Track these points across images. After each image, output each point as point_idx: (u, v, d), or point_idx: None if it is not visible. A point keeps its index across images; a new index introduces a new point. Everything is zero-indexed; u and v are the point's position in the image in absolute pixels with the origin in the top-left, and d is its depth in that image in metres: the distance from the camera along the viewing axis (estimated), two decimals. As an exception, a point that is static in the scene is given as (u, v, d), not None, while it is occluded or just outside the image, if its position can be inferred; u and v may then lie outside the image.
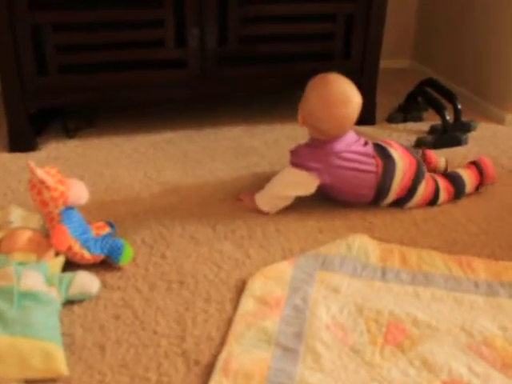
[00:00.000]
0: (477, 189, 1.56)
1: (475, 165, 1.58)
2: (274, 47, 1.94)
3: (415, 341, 1.05)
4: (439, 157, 1.66)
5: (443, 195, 1.50)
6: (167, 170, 1.69)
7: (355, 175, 1.43)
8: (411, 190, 1.46)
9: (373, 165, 1.43)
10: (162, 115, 2.07)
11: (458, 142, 1.87)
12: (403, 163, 1.45)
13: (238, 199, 1.52)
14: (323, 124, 1.40)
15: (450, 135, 1.87)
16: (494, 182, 1.61)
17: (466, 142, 1.89)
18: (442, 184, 1.50)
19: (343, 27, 1.92)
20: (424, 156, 1.61)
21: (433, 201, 1.50)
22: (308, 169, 1.41)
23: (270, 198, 1.46)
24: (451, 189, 1.51)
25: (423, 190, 1.48)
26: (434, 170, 1.61)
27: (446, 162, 1.65)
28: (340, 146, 1.42)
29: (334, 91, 1.39)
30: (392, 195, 1.47)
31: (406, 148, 1.53)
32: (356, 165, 1.43)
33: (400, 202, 1.49)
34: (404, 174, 1.45)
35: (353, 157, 1.43)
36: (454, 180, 1.52)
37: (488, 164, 1.58)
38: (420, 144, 1.84)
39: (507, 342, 1.05)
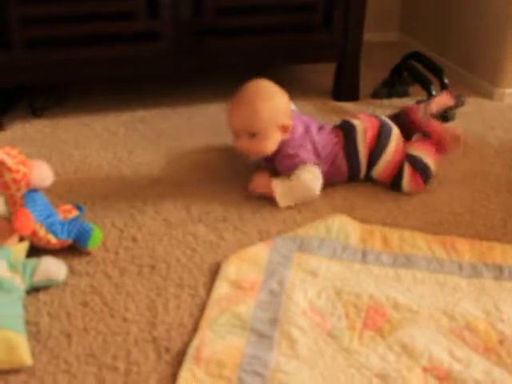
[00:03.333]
0: (441, 152, 1.54)
1: (428, 136, 1.56)
2: (252, 18, 1.92)
3: (395, 325, 1.05)
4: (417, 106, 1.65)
5: (408, 179, 1.47)
6: (139, 150, 1.68)
7: (329, 151, 1.47)
8: (378, 146, 1.48)
9: (333, 135, 1.50)
10: (134, 92, 2.05)
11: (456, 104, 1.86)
12: (362, 123, 1.51)
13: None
14: (286, 116, 1.43)
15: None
16: (458, 143, 1.57)
17: (453, 118, 1.89)
18: (407, 168, 1.48)
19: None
20: (407, 113, 1.62)
21: (397, 180, 1.48)
22: (308, 161, 1.43)
23: (295, 200, 1.43)
24: (414, 173, 1.48)
25: (392, 154, 1.48)
26: (419, 121, 1.60)
27: (425, 105, 1.65)
28: (303, 131, 1.47)
29: (267, 87, 1.45)
30: (362, 159, 1.48)
31: (371, 115, 1.58)
32: (323, 142, 1.47)
33: (370, 163, 1.49)
34: (365, 131, 1.49)
35: (319, 137, 1.48)
36: (411, 162, 1.49)
37: (439, 132, 1.56)
38: None
39: (490, 325, 1.06)
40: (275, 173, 1.47)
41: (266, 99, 1.41)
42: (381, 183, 1.51)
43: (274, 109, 1.41)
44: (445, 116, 1.85)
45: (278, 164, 1.46)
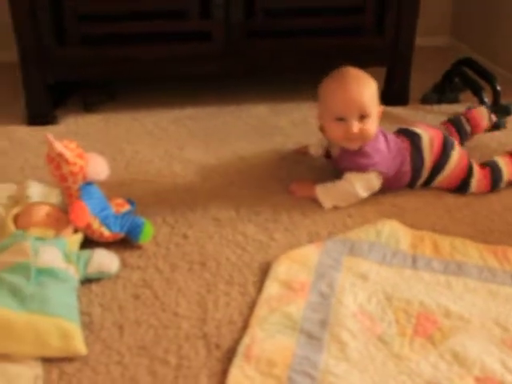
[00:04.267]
0: None
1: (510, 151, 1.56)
2: (302, 21, 1.92)
3: (446, 333, 1.04)
4: (482, 115, 1.65)
5: (478, 179, 1.47)
6: (189, 148, 1.69)
7: (398, 156, 1.44)
8: (444, 156, 1.46)
9: (399, 140, 1.47)
10: (184, 90, 2.07)
11: (507, 112, 1.86)
12: (428, 133, 1.49)
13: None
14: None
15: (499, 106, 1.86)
16: None
17: (504, 126, 1.86)
18: (478, 170, 1.48)
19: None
20: (467, 116, 1.63)
21: (465, 182, 1.47)
22: (378, 168, 1.41)
23: (338, 202, 1.42)
24: (488, 174, 1.48)
25: (456, 162, 1.46)
26: (481, 124, 1.62)
27: (490, 117, 1.65)
28: (382, 136, 1.44)
29: (362, 72, 1.42)
30: (428, 165, 1.46)
31: (429, 125, 1.57)
32: (393, 145, 1.45)
33: (434, 172, 1.47)
34: (431, 141, 1.47)
35: (389, 138, 1.45)
36: (491, 168, 1.49)
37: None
38: None
39: (544, 337, 1.04)
40: (335, 174, 1.47)
41: (367, 83, 1.39)
42: (445, 188, 1.49)
43: (374, 92, 1.40)
44: (495, 124, 1.82)
45: (346, 159, 1.42)
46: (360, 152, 1.40)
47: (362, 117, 1.36)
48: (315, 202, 1.42)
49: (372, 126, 1.38)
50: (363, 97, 1.36)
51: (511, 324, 1.06)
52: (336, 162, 1.49)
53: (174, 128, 1.81)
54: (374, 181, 1.41)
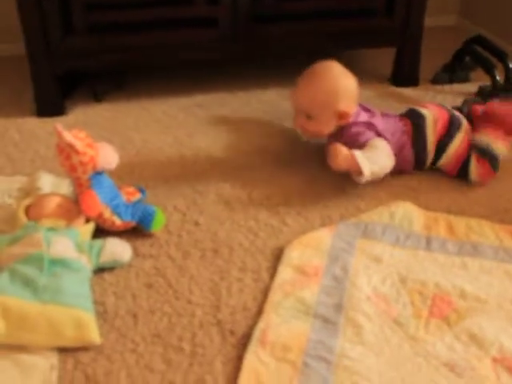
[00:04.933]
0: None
1: (490, 119, 1.50)
2: (311, 4, 1.88)
3: (462, 314, 1.03)
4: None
5: (476, 166, 1.42)
6: (199, 135, 1.68)
7: (397, 139, 1.42)
8: (447, 135, 1.44)
9: (401, 123, 1.47)
10: (193, 77, 2.05)
11: None
12: (432, 113, 1.47)
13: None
14: (348, 102, 1.41)
15: None
16: None
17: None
18: (474, 156, 1.43)
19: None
20: (469, 111, 1.57)
21: (464, 167, 1.43)
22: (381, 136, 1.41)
23: (377, 170, 1.35)
24: (482, 160, 1.43)
25: (459, 143, 1.44)
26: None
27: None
28: (367, 118, 1.44)
29: (333, 70, 1.44)
30: (430, 148, 1.44)
31: (439, 104, 1.55)
32: (392, 129, 1.44)
33: (437, 152, 1.44)
34: (435, 121, 1.45)
35: (386, 125, 1.44)
36: (481, 150, 1.44)
37: (501, 111, 1.49)
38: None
39: (562, 316, 1.02)
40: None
41: (327, 83, 1.40)
42: (447, 174, 1.46)
43: (333, 94, 1.39)
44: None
45: (345, 144, 1.39)
46: (349, 136, 1.40)
47: (307, 116, 1.42)
48: (326, 185, 1.41)
49: (317, 126, 1.43)
50: (307, 99, 1.41)
51: (529, 304, 1.05)
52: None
53: (182, 116, 1.80)
54: (385, 142, 1.39)
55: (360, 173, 1.31)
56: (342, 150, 1.32)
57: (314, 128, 1.44)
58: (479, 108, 1.55)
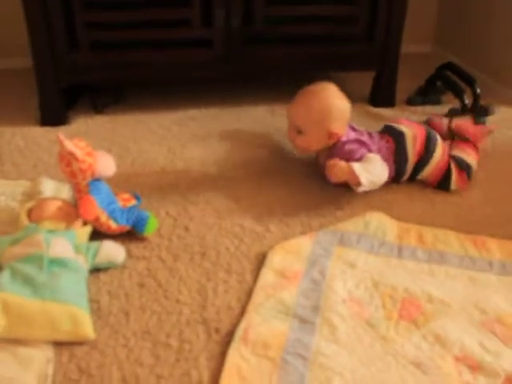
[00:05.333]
0: (477, 151, 1.57)
1: (457, 136, 1.60)
2: (298, 28, 1.90)
3: (429, 317, 1.04)
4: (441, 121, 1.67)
5: (455, 175, 1.46)
6: (191, 146, 1.68)
7: (382, 156, 1.42)
8: (427, 151, 1.45)
9: (384, 141, 1.47)
10: (187, 93, 2.05)
11: (486, 113, 1.88)
12: (411, 131, 1.48)
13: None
14: (339, 123, 1.40)
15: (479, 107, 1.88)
16: (487, 134, 1.66)
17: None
18: (454, 166, 1.47)
19: (367, 10, 1.88)
20: (428, 125, 1.63)
21: (446, 178, 1.46)
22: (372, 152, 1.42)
23: (373, 178, 1.35)
24: (460, 171, 1.47)
25: (439, 157, 1.46)
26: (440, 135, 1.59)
27: (449, 121, 1.64)
28: (355, 136, 1.45)
29: (328, 91, 1.44)
30: (411, 161, 1.45)
31: (412, 121, 1.59)
32: (377, 146, 1.45)
33: (418, 166, 1.46)
34: (414, 138, 1.46)
35: (373, 145, 1.45)
36: (460, 163, 1.48)
37: (464, 128, 1.60)
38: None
39: (520, 320, 1.03)
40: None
41: (321, 103, 1.39)
42: (428, 184, 1.48)
43: (326, 113, 1.39)
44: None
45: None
46: (343, 152, 1.40)
47: (298, 131, 1.42)
48: (307, 196, 1.42)
49: (306, 142, 1.43)
50: (302, 115, 1.40)
51: (489, 308, 1.06)
52: (323, 170, 1.48)
53: (176, 128, 1.80)
54: (378, 156, 1.39)
55: (358, 183, 1.31)
56: (340, 163, 1.33)
57: (303, 143, 1.44)
58: (439, 124, 1.65)
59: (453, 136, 1.61)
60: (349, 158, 1.38)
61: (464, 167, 1.47)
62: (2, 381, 0.89)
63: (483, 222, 1.34)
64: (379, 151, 1.43)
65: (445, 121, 1.66)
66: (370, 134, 1.48)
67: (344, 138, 1.42)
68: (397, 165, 1.45)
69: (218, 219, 1.33)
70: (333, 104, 1.40)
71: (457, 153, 1.53)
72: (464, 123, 1.65)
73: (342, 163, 1.33)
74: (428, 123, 1.65)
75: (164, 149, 1.66)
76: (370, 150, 1.41)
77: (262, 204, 1.39)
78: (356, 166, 1.32)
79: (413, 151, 1.45)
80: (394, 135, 1.48)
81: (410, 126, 1.51)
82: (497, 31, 2.17)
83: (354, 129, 1.47)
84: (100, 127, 1.80)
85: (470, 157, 1.52)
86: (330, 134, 1.40)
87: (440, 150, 1.47)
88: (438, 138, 1.50)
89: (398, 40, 1.91)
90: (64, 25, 1.71)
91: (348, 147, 1.41)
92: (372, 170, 1.34)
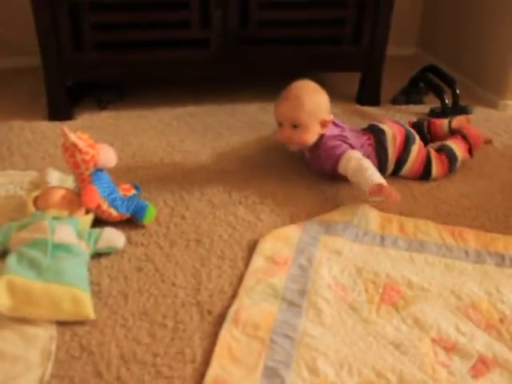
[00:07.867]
0: (471, 154, 1.54)
1: (457, 132, 1.58)
2: (290, 30, 1.89)
3: (409, 301, 1.04)
4: (442, 120, 1.65)
5: (436, 164, 1.46)
6: (189, 140, 1.67)
7: (364, 151, 1.42)
8: (405, 151, 1.45)
9: (365, 137, 1.47)
10: (186, 90, 2.04)
11: (465, 112, 1.87)
12: (392, 130, 1.47)
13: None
14: (326, 112, 1.40)
15: (458, 107, 1.88)
16: (486, 142, 1.65)
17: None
18: (435, 155, 1.47)
19: (354, 13, 1.86)
20: (429, 124, 1.62)
21: (427, 170, 1.46)
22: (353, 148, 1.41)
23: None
24: (444, 159, 1.48)
25: (416, 155, 1.45)
26: (439, 134, 1.60)
27: (449, 121, 1.62)
28: (338, 131, 1.43)
29: (311, 86, 1.42)
30: (391, 159, 1.45)
31: (395, 121, 1.57)
32: (359, 142, 1.44)
33: (398, 165, 1.46)
34: (394, 137, 1.45)
35: (354, 139, 1.43)
36: (446, 152, 1.49)
37: (466, 129, 1.58)
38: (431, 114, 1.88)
39: (492, 305, 1.03)
40: (315, 166, 1.45)
41: (310, 95, 1.38)
42: (410, 178, 1.47)
43: (316, 104, 1.38)
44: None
45: (321, 156, 1.41)
46: (325, 149, 1.39)
47: (295, 126, 1.38)
48: (296, 188, 1.41)
49: (304, 135, 1.39)
50: (298, 108, 1.36)
51: (464, 293, 1.06)
52: (309, 164, 1.48)
53: (175, 123, 1.79)
54: (356, 153, 1.37)
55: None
56: (394, 191, 1.28)
57: (300, 137, 1.39)
58: (439, 122, 1.62)
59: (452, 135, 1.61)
60: (331, 154, 1.38)
61: (451, 156, 1.48)
62: (9, 357, 0.89)
63: (460, 213, 1.34)
64: (361, 147, 1.42)
65: (445, 121, 1.63)
66: (351, 130, 1.48)
67: (327, 133, 1.41)
68: (378, 160, 1.44)
69: (213, 208, 1.32)
70: (319, 96, 1.40)
71: (449, 143, 1.52)
72: (467, 125, 1.63)
73: (393, 191, 1.28)
74: (429, 123, 1.62)
75: (163, 143, 1.65)
76: (351, 146, 1.40)
77: (253, 195, 1.38)
78: (381, 179, 1.29)
79: (392, 149, 1.45)
80: (375, 132, 1.47)
81: (392, 125, 1.50)
82: (476, 37, 2.16)
83: (336, 124, 1.46)
84: (104, 122, 1.78)
85: (460, 151, 1.51)
86: (324, 122, 1.39)
87: (417, 147, 1.47)
88: (417, 138, 1.49)
89: (383, 43, 1.90)
90: (70, 26, 1.69)
91: (330, 143, 1.39)
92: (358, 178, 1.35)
